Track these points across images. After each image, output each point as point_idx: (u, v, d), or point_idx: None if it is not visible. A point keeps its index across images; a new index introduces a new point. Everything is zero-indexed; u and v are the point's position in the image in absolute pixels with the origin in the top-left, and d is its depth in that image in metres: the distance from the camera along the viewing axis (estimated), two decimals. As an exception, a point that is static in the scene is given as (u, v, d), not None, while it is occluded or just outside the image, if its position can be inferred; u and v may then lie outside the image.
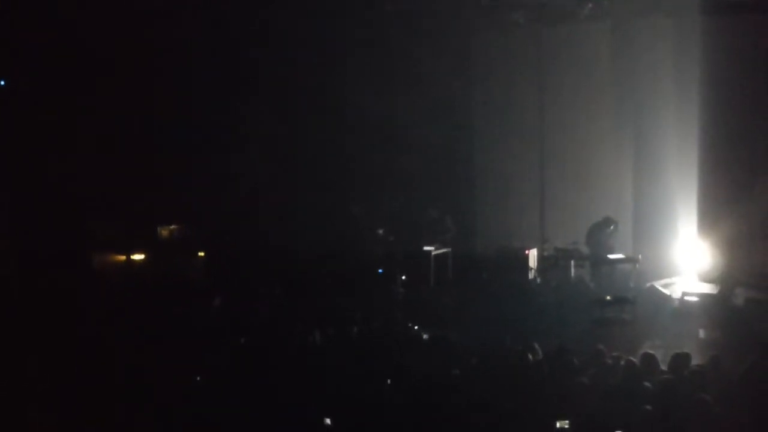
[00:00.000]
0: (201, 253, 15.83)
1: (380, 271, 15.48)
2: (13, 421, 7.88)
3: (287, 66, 16.18)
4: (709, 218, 15.30)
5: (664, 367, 8.78)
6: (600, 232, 15.41)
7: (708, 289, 14.19)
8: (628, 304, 13.23)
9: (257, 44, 15.84)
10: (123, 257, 15.55)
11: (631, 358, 8.80)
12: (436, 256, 15.67)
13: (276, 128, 16.35)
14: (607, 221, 15.47)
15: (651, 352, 9.17)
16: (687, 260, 15.64)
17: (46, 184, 14.75)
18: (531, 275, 15.77)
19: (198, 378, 8.76)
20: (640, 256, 15.27)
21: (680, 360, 8.75)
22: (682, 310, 13.47)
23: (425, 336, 10.47)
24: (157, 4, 14.59)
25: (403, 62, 16.42)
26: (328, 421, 7.72)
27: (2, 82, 15.34)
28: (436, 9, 16.07)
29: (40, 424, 7.90)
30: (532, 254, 15.97)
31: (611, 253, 15.35)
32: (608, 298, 13.36)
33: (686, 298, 13.73)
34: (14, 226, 14.51)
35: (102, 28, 14.59)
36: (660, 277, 15.34)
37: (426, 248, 15.60)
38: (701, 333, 12.16)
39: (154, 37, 14.91)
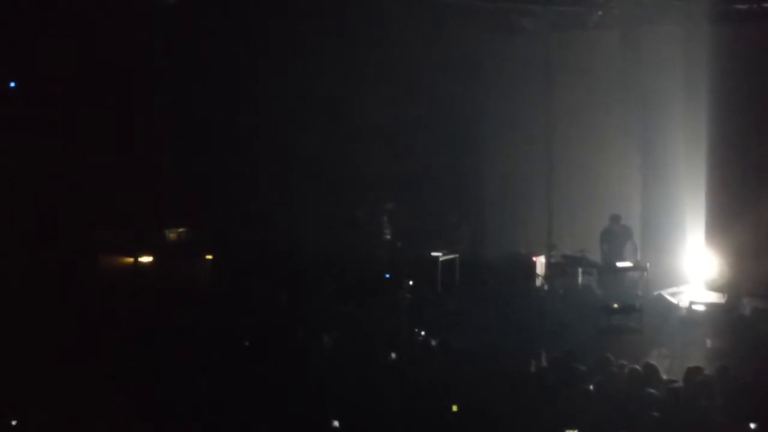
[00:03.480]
0: (208, 257, 15.81)
1: (387, 276, 15.47)
2: (15, 422, 7.91)
3: (295, 70, 16.21)
4: (717, 227, 15.27)
5: (666, 376, 8.76)
6: (610, 232, 15.44)
7: (715, 297, 14.16)
8: (635, 312, 13.19)
9: (263, 48, 15.86)
10: (130, 260, 15.56)
11: (637, 367, 8.78)
12: (444, 261, 15.65)
13: (284, 133, 16.38)
14: (615, 218, 15.49)
15: (652, 362, 9.14)
16: (695, 269, 15.60)
17: (54, 186, 14.80)
18: (538, 282, 15.74)
19: (203, 381, 8.76)
20: (647, 265, 15.20)
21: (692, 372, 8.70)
22: (689, 318, 13.43)
23: (432, 342, 10.45)
24: (161, 5, 14.65)
25: (411, 67, 16.42)
26: (336, 423, 7.71)
27: (13, 84, 15.42)
28: (444, 14, 16.07)
29: (43, 425, 7.92)
30: (540, 261, 15.94)
31: (625, 254, 15.31)
32: (615, 305, 13.30)
33: (693, 306, 13.69)
34: (21, 229, 14.54)
35: (108, 30, 14.63)
36: (667, 285, 15.31)
37: (434, 254, 15.57)
38: (708, 342, 12.11)
39: (162, 40, 14.96)
